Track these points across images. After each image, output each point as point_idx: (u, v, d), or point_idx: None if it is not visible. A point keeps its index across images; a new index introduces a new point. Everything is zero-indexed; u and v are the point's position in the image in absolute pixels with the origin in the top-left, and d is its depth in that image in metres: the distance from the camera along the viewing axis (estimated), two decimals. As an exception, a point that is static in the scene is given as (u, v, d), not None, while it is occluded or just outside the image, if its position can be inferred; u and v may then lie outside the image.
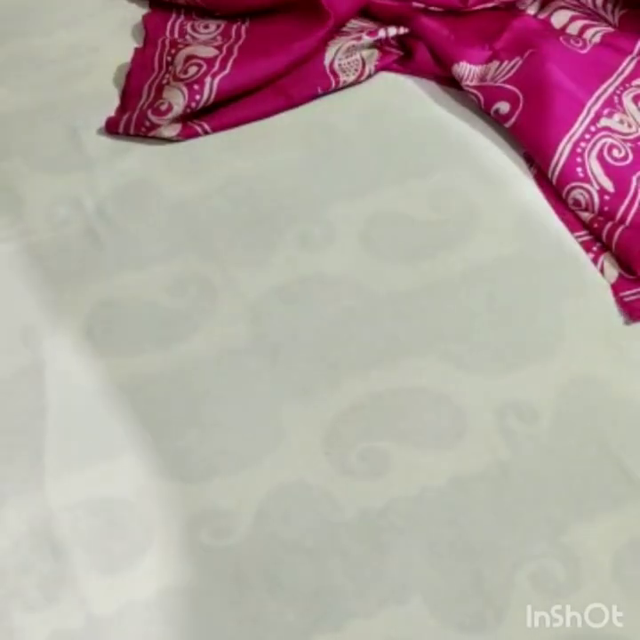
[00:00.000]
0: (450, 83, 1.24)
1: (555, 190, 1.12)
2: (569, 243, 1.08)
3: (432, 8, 1.28)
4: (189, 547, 0.86)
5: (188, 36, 1.30)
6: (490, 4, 1.30)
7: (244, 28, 1.29)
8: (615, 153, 1.13)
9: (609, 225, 1.08)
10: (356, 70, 1.23)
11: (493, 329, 1.00)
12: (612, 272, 1.05)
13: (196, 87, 1.18)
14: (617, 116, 1.17)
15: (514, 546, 0.86)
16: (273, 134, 1.19)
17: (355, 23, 1.29)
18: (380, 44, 1.26)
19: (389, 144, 1.17)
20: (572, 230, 1.09)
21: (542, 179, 1.13)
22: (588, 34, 1.28)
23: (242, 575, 0.85)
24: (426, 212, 1.10)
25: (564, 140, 1.13)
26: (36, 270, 1.06)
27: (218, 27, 1.30)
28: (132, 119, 1.18)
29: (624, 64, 1.23)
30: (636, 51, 1.25)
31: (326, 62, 1.23)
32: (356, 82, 1.24)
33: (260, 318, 1.01)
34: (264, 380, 0.97)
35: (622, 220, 1.08)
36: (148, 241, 1.08)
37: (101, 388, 0.96)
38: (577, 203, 1.10)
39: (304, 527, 0.87)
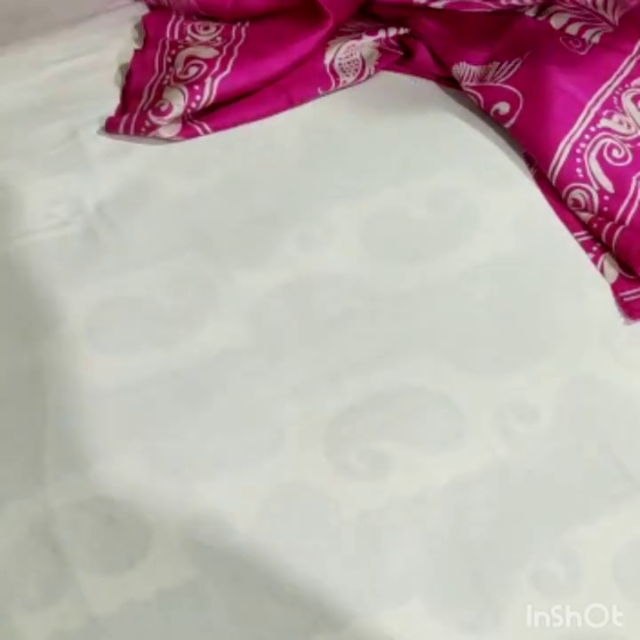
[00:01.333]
0: (450, 83, 1.24)
1: (555, 190, 1.12)
2: (569, 243, 1.08)
3: (432, 5, 1.28)
4: (189, 547, 0.86)
5: (188, 37, 1.30)
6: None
7: (243, 28, 1.28)
8: (615, 153, 1.13)
9: (608, 225, 1.08)
10: (356, 70, 1.23)
11: (493, 329, 1.00)
12: (612, 272, 1.05)
13: (196, 88, 1.18)
14: (616, 117, 1.17)
15: (514, 546, 0.86)
16: (273, 134, 1.19)
17: (355, 23, 1.29)
18: (380, 44, 1.26)
19: (389, 144, 1.17)
20: (571, 230, 1.09)
21: (542, 179, 1.13)
22: (587, 34, 1.27)
23: (242, 575, 0.85)
24: (426, 212, 1.10)
25: (564, 140, 1.13)
26: (36, 270, 1.06)
27: (218, 28, 1.30)
28: (133, 119, 1.18)
29: (623, 64, 1.23)
30: (635, 51, 1.25)
31: (326, 62, 1.23)
32: (356, 82, 1.24)
33: (260, 318, 1.01)
34: (264, 379, 0.97)
35: (622, 221, 1.08)
36: (148, 241, 1.08)
37: (101, 388, 0.96)
38: (577, 203, 1.10)
39: (304, 527, 0.87)
